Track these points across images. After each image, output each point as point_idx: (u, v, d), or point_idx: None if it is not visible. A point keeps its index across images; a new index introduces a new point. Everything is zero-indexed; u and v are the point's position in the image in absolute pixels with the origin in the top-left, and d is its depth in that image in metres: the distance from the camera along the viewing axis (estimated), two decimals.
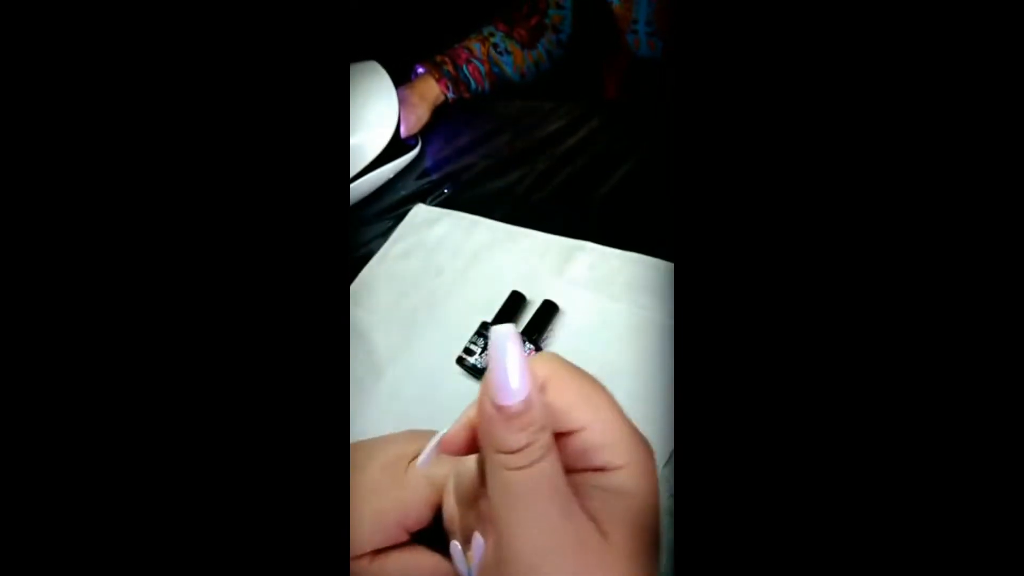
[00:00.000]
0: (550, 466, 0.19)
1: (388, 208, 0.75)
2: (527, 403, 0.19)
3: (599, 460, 0.20)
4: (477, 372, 0.51)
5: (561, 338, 0.51)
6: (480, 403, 0.20)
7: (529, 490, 0.19)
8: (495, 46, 0.90)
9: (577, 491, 0.20)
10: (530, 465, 0.19)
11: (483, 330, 0.53)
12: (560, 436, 0.20)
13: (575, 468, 0.20)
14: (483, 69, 0.89)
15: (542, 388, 0.20)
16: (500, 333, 0.19)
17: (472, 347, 0.52)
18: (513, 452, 0.19)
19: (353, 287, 0.66)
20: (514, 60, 0.91)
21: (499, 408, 0.19)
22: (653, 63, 0.87)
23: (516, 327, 0.19)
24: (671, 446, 0.41)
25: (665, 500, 0.39)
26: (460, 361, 0.52)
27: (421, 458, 0.23)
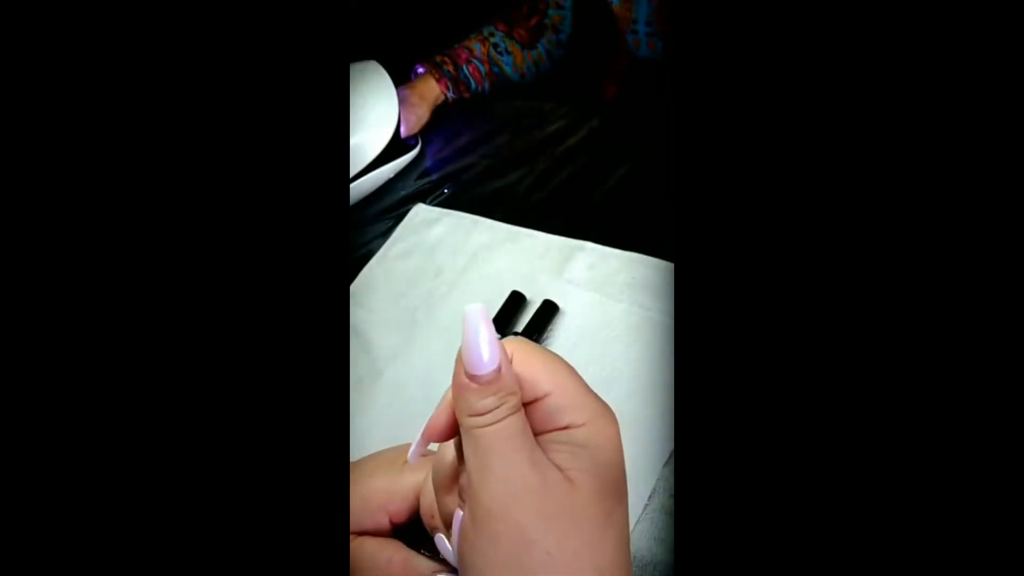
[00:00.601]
0: (518, 420, 0.21)
1: (388, 208, 0.75)
2: (497, 372, 0.21)
3: (564, 420, 0.22)
4: None
5: (561, 338, 0.51)
6: (455, 374, 0.22)
7: (498, 441, 0.21)
8: (495, 46, 0.90)
9: (545, 448, 0.22)
10: (498, 421, 0.21)
11: None
12: (528, 404, 0.22)
13: (543, 430, 0.22)
14: (483, 69, 0.89)
15: (511, 360, 0.22)
16: (472, 311, 0.21)
17: None
18: (483, 414, 0.21)
19: (353, 287, 0.66)
20: (514, 60, 0.91)
21: (472, 378, 0.21)
22: (653, 63, 0.87)
23: (487, 308, 0.22)
24: (671, 446, 0.41)
25: (665, 500, 0.39)
26: None
27: (411, 451, 0.24)
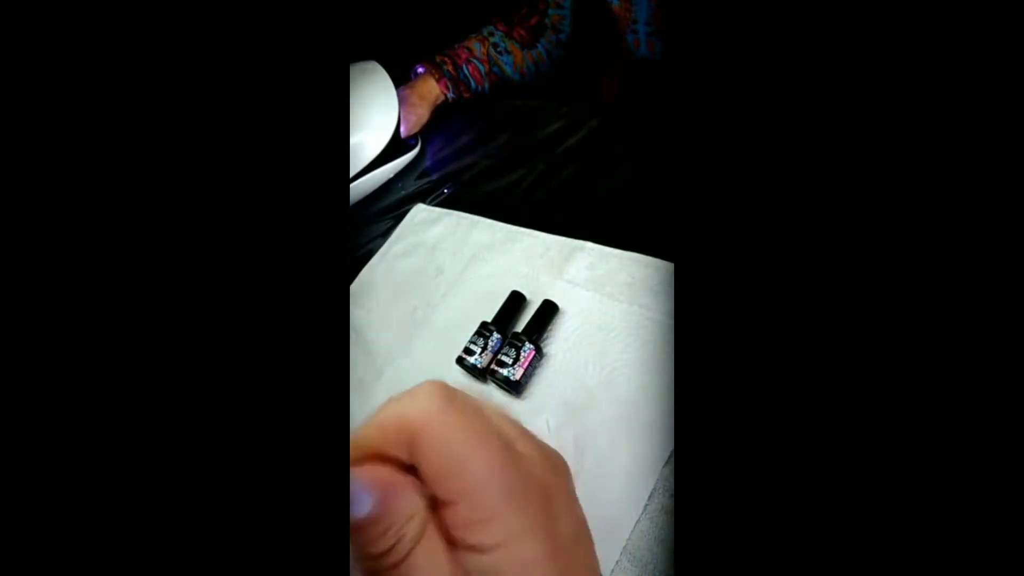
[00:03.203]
0: (421, 558, 0.18)
1: (388, 208, 0.75)
2: (374, 513, 0.18)
3: (472, 539, 0.18)
4: (477, 372, 0.51)
5: (561, 338, 0.51)
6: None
7: None
8: (495, 46, 0.90)
9: (460, 567, 0.18)
10: (397, 564, 0.18)
11: (483, 330, 0.53)
12: (440, 506, 0.18)
13: (455, 543, 0.18)
14: (483, 69, 0.89)
15: (411, 450, 0.18)
16: None
17: (472, 347, 0.52)
18: (378, 556, 0.18)
19: (353, 287, 0.66)
20: (514, 60, 0.91)
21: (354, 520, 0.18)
22: (653, 63, 0.88)
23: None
24: (671, 446, 0.41)
25: (665, 500, 0.39)
26: (460, 361, 0.52)
27: None
